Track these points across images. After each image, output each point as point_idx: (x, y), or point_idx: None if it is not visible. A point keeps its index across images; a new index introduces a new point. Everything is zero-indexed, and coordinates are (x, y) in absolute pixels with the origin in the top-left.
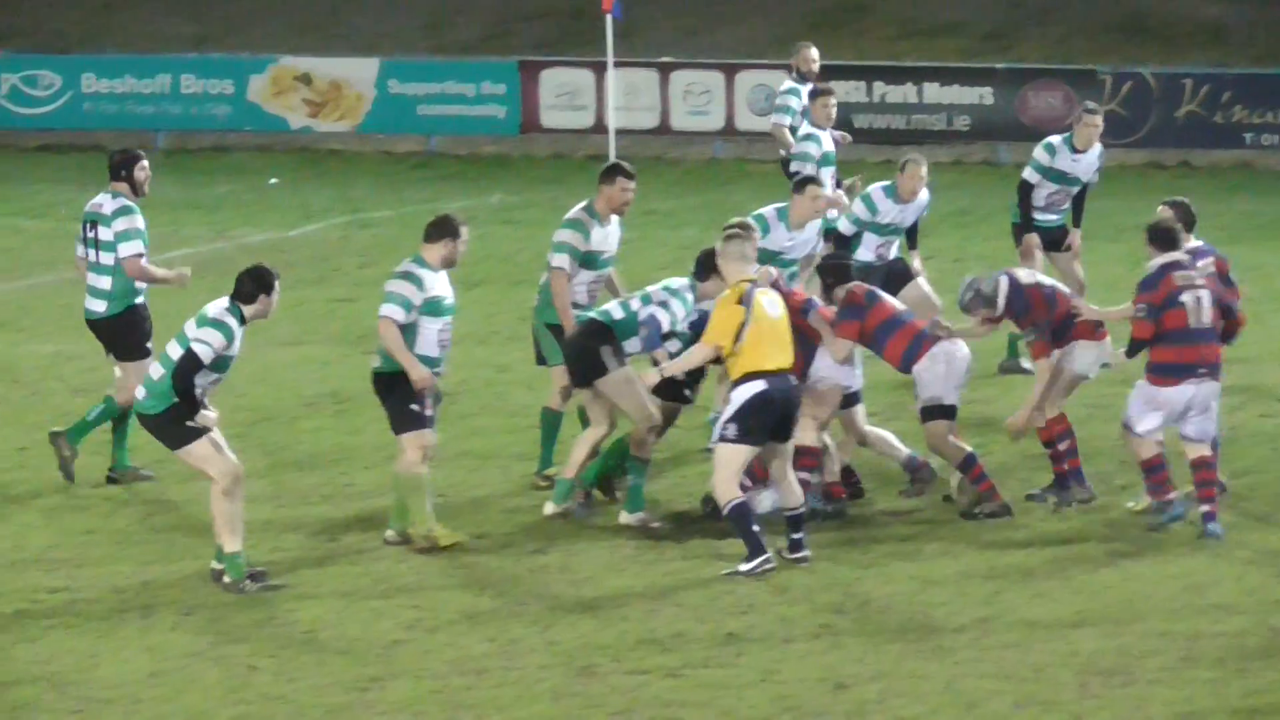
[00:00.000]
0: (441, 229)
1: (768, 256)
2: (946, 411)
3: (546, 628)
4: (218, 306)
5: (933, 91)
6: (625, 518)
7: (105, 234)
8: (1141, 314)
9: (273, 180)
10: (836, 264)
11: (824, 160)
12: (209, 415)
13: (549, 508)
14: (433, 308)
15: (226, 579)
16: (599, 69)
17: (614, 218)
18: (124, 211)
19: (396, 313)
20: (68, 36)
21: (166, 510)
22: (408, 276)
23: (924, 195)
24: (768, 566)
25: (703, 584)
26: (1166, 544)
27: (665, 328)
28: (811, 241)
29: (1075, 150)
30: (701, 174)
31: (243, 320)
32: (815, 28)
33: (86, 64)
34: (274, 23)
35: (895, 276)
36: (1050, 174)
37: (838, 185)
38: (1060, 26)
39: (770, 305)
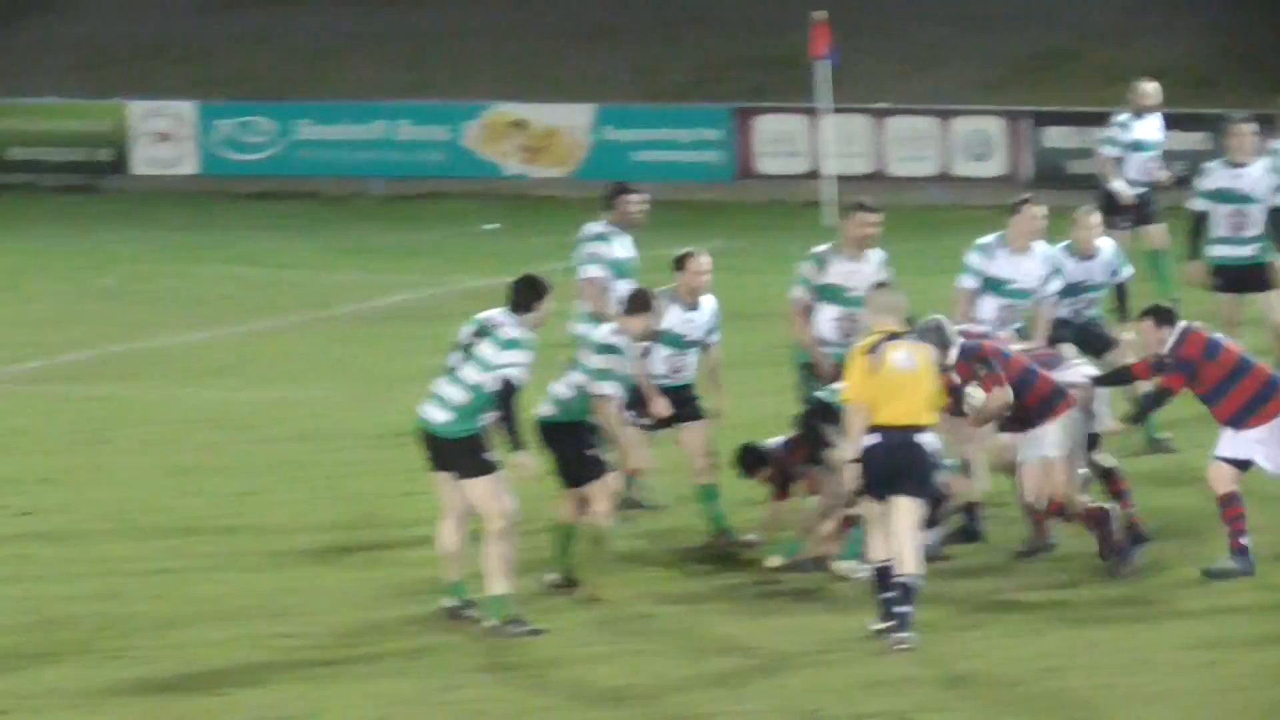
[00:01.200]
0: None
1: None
2: None
3: (772, 672)
4: (507, 325)
5: None
6: (841, 567)
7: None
8: None
9: (490, 226)
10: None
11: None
12: (528, 462)
13: (774, 560)
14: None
15: (490, 621)
16: (813, 115)
17: (864, 252)
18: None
19: (616, 391)
20: (283, 84)
21: (385, 560)
22: (611, 349)
23: (1107, 251)
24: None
25: (929, 628)
26: None
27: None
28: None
29: (1234, 165)
30: (916, 219)
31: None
32: (1026, 73)
33: (302, 110)
34: (488, 69)
35: (1091, 338)
36: (1216, 196)
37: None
38: (1269, 71)
39: (904, 359)
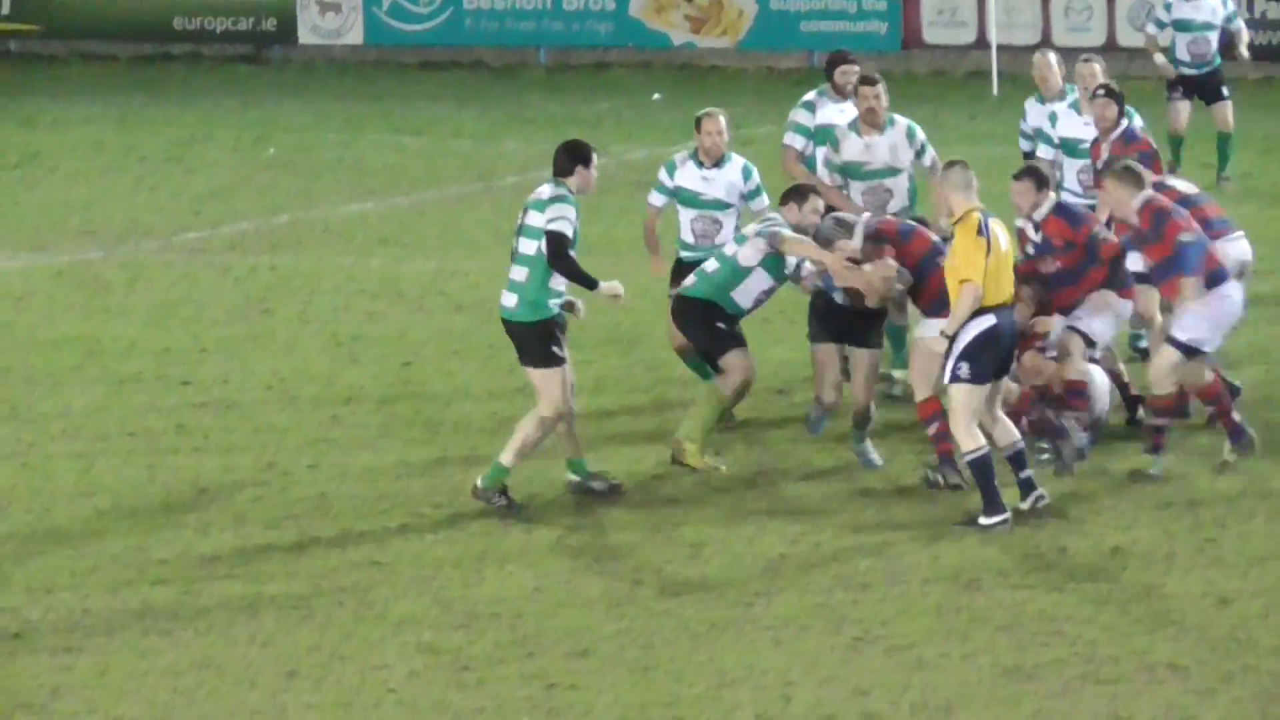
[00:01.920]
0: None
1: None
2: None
3: (930, 544)
4: (548, 188)
5: None
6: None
7: (534, 219)
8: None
9: (656, 96)
10: None
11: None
12: (614, 286)
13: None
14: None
15: (481, 482)
16: None
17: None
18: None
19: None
20: None
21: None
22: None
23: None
24: (1004, 527)
25: (1086, 499)
26: None
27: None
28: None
29: None
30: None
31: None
32: None
33: None
34: None
35: None
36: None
37: None
38: None
39: (1002, 235)
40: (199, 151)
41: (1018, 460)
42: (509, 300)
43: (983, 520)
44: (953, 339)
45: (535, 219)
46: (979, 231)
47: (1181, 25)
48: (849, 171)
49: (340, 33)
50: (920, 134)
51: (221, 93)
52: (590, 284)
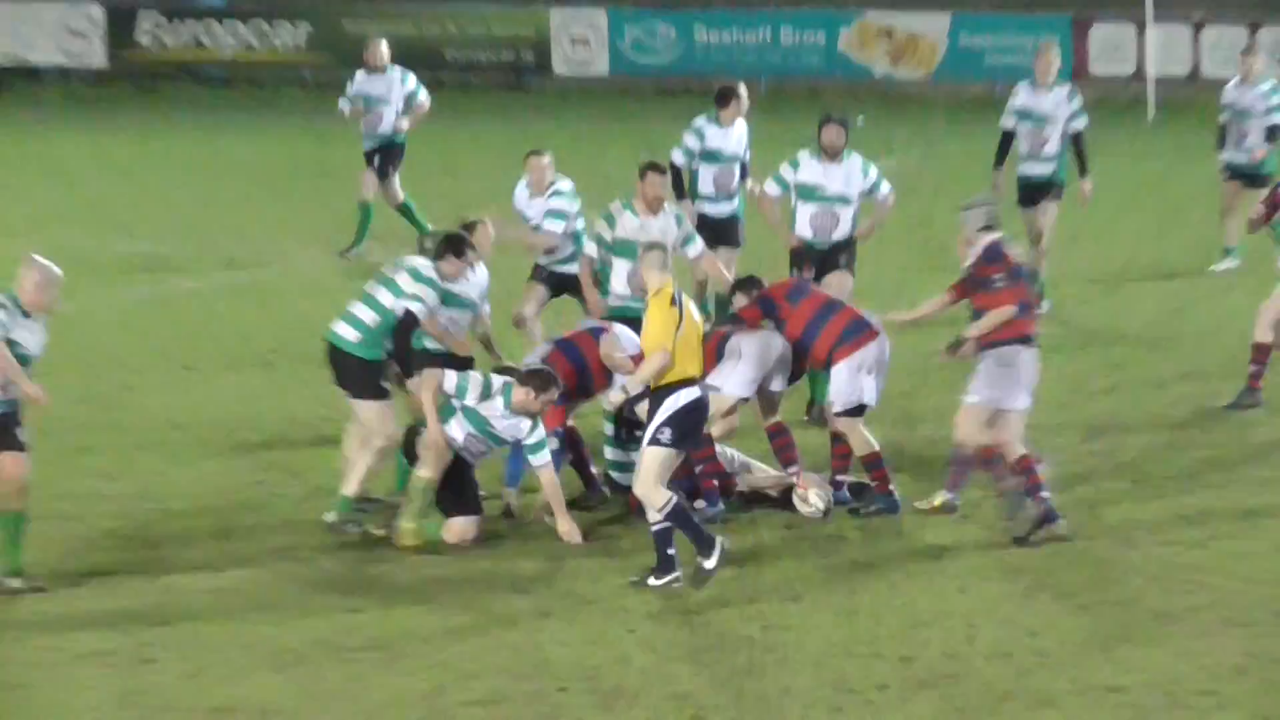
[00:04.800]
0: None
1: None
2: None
3: (1091, 508)
4: (425, 265)
5: None
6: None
7: (403, 280)
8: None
9: (860, 119)
10: None
11: None
12: (418, 387)
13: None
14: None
15: (331, 516)
16: (1140, 25)
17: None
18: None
19: None
20: None
21: None
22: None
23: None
24: (676, 585)
25: (1228, 467)
26: None
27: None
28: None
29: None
30: None
31: (440, 278)
32: None
33: (698, 18)
34: None
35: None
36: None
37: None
38: None
39: (695, 311)
40: (467, 164)
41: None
42: (348, 333)
43: (653, 580)
44: (660, 405)
45: (404, 281)
46: (671, 303)
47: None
48: (802, 192)
49: (589, 64)
50: (874, 171)
51: (487, 115)
52: (406, 371)
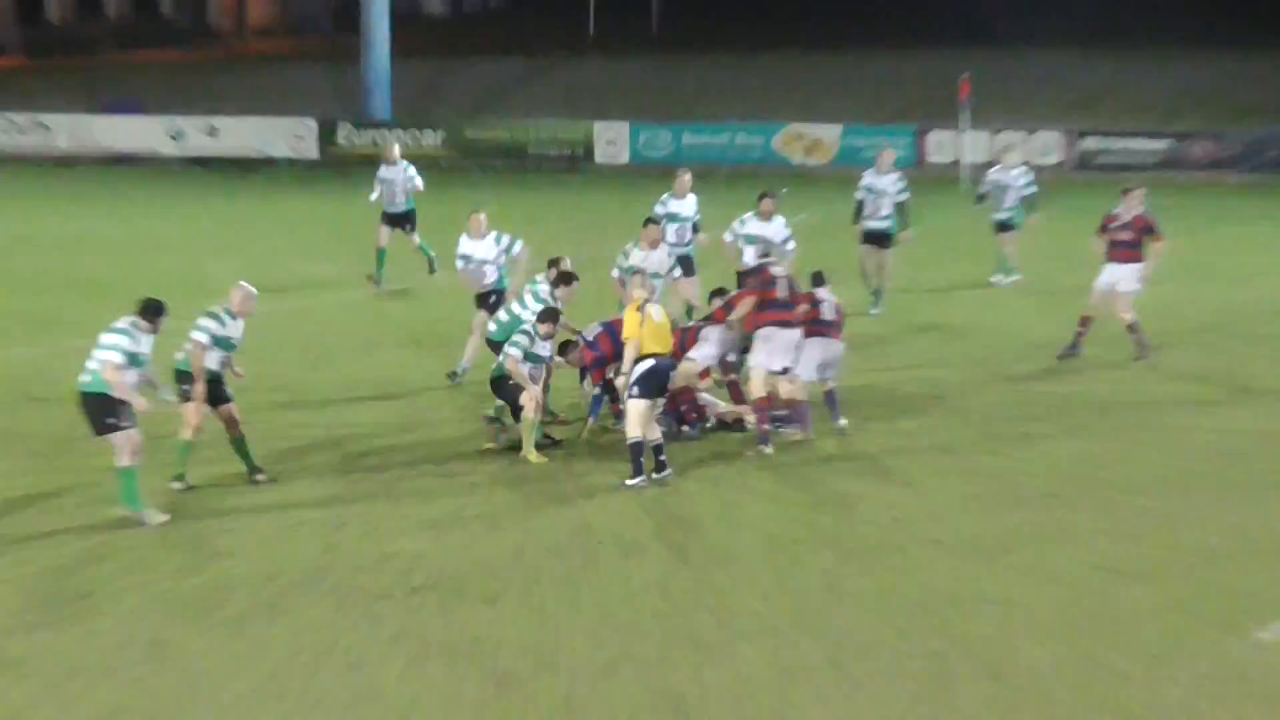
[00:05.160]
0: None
1: None
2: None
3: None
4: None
5: None
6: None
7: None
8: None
9: (785, 190)
10: None
11: None
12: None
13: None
14: None
15: (491, 412)
16: (958, 131)
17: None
18: None
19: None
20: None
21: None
22: None
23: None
24: (641, 486)
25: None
26: None
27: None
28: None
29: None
30: None
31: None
32: None
33: (686, 128)
34: (783, 100)
35: None
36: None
37: None
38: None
39: (656, 314)
40: (543, 217)
41: (657, 448)
42: (493, 328)
43: (628, 482)
44: (631, 373)
45: (529, 299)
46: (638, 310)
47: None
48: (748, 239)
49: (617, 156)
50: (786, 228)
51: (554, 187)
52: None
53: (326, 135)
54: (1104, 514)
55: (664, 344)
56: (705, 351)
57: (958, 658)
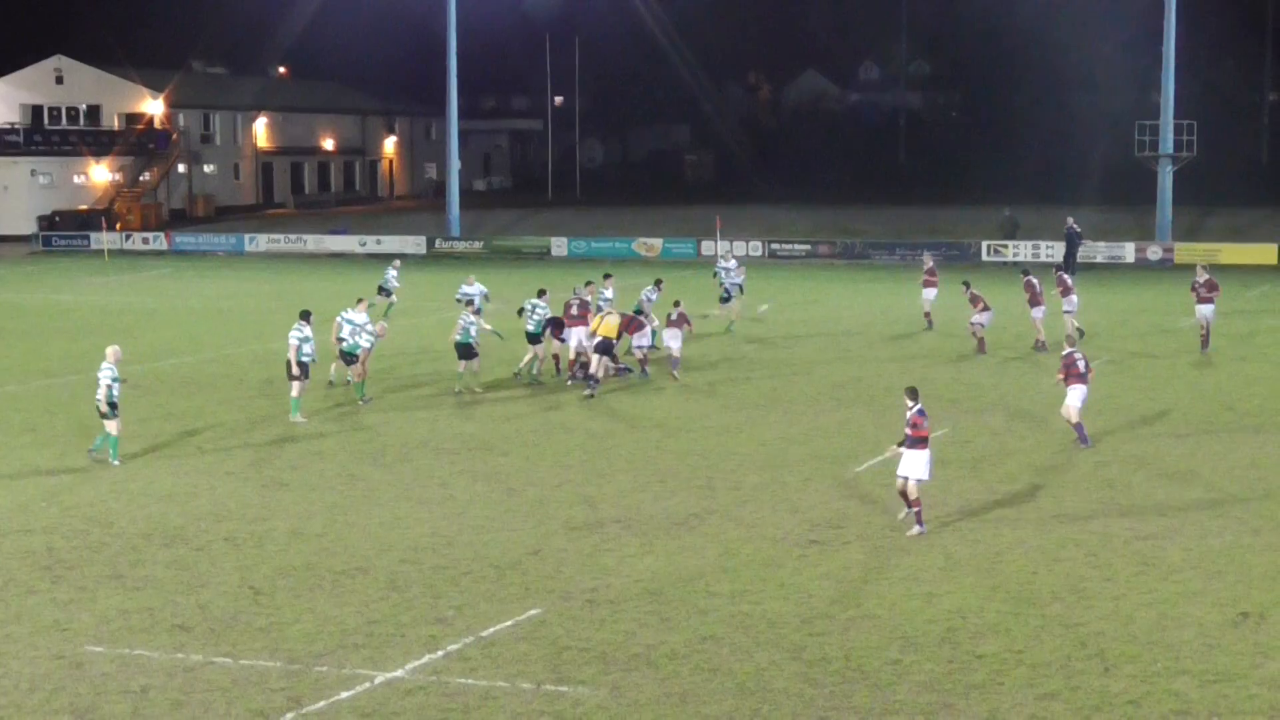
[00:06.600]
0: None
1: None
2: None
3: None
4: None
5: None
6: None
7: None
8: None
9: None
10: None
11: None
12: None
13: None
14: None
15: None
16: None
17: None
18: None
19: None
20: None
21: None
22: None
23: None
24: (589, 396)
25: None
26: None
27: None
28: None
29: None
30: None
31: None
32: None
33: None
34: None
35: None
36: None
37: None
38: None
39: (612, 319)
40: (544, 282)
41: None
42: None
43: (586, 393)
44: (595, 345)
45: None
46: (603, 318)
47: None
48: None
49: (561, 250)
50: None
51: (524, 270)
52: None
53: (430, 244)
54: None
55: (610, 331)
56: (646, 340)
57: None
